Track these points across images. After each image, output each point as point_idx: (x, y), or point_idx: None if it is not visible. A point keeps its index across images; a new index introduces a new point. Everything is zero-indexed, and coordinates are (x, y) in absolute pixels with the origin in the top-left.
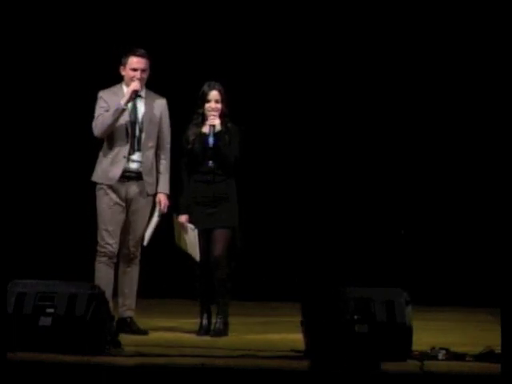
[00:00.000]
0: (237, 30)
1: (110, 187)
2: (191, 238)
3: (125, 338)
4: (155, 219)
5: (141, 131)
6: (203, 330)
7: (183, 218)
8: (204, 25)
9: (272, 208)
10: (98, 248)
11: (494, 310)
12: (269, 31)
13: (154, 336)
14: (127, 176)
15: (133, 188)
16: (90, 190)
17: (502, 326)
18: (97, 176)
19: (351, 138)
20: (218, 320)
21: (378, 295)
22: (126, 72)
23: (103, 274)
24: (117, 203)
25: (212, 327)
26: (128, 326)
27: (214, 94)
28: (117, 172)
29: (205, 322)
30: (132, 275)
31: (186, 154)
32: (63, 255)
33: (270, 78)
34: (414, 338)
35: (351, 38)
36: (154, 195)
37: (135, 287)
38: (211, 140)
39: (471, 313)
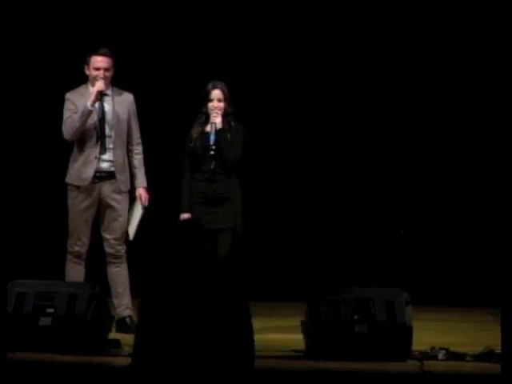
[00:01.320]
0: (241, 29)
1: (82, 189)
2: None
3: (125, 338)
4: (139, 213)
5: (110, 130)
6: None
7: (185, 217)
8: (209, 24)
9: (272, 208)
10: (67, 246)
11: (494, 309)
12: (272, 30)
13: None
14: (99, 176)
15: (106, 187)
16: (66, 191)
17: (502, 326)
18: (69, 178)
19: (352, 138)
20: None
21: (378, 295)
22: (89, 71)
23: (70, 271)
24: (88, 205)
25: None
26: (127, 326)
27: (216, 93)
28: (89, 173)
29: None
30: (122, 274)
31: (188, 153)
32: (64, 255)
33: (273, 78)
34: (414, 338)
35: (352, 37)
36: (129, 191)
37: (128, 285)
38: (212, 138)
39: (471, 313)
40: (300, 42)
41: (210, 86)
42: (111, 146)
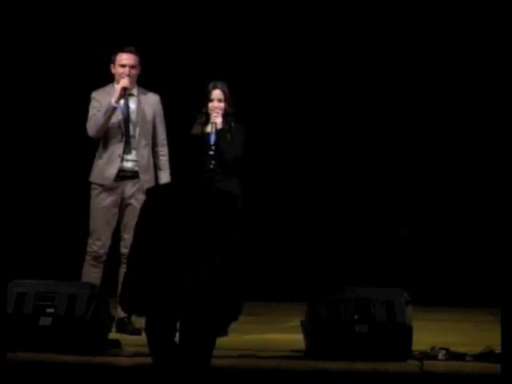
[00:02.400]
0: (241, 29)
1: (105, 187)
2: None
3: (125, 338)
4: None
5: (134, 130)
6: None
7: None
8: (209, 24)
9: (272, 208)
10: (87, 247)
11: (494, 309)
12: (272, 31)
13: None
14: (123, 175)
15: (129, 187)
16: (90, 190)
17: (502, 326)
18: (93, 176)
19: (352, 138)
20: None
21: (378, 295)
22: (115, 69)
23: (85, 272)
24: (109, 204)
25: None
26: (125, 325)
27: (216, 93)
28: (112, 172)
29: None
30: None
31: None
32: (63, 255)
33: (273, 78)
34: (414, 338)
35: (352, 37)
36: None
37: None
38: (212, 138)
39: (471, 313)
40: (300, 42)
41: (210, 86)
42: (135, 145)
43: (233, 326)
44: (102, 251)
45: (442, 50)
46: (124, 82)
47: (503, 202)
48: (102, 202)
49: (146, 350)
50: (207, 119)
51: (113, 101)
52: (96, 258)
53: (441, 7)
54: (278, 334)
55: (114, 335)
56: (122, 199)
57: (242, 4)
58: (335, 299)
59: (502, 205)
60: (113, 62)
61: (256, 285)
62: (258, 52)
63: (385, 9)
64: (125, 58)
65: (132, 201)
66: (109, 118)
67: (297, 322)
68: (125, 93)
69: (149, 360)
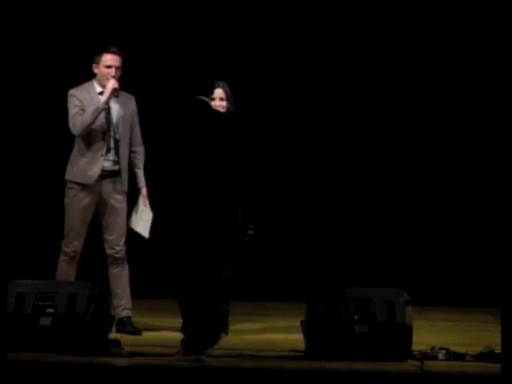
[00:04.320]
0: (241, 29)
1: (83, 187)
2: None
3: (125, 338)
4: (150, 213)
5: (115, 130)
6: None
7: None
8: (210, 24)
9: (272, 208)
10: (62, 245)
11: (494, 309)
12: (272, 30)
13: (153, 336)
14: (103, 175)
15: (107, 186)
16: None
17: (502, 326)
18: (72, 174)
19: (352, 139)
20: None
21: (378, 295)
22: (99, 70)
23: (62, 271)
24: (88, 203)
25: None
26: (125, 326)
27: (218, 92)
28: (96, 171)
29: None
30: (122, 275)
31: None
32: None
33: (273, 78)
34: (414, 338)
35: (352, 37)
36: (128, 192)
37: (127, 286)
38: None
39: (471, 313)
40: (300, 42)
41: None
42: (116, 145)
43: (233, 326)
44: (79, 250)
45: (442, 50)
46: (113, 83)
47: (503, 202)
48: (81, 202)
49: (145, 350)
50: None
51: (102, 101)
52: (73, 258)
53: (441, 7)
54: (278, 334)
55: (114, 335)
56: (101, 199)
57: (241, 4)
58: (335, 299)
59: (502, 205)
60: (96, 62)
61: (256, 285)
62: (257, 52)
63: (385, 9)
64: (110, 59)
65: (111, 201)
66: (96, 117)
67: (297, 322)
68: (117, 94)
69: (149, 360)
